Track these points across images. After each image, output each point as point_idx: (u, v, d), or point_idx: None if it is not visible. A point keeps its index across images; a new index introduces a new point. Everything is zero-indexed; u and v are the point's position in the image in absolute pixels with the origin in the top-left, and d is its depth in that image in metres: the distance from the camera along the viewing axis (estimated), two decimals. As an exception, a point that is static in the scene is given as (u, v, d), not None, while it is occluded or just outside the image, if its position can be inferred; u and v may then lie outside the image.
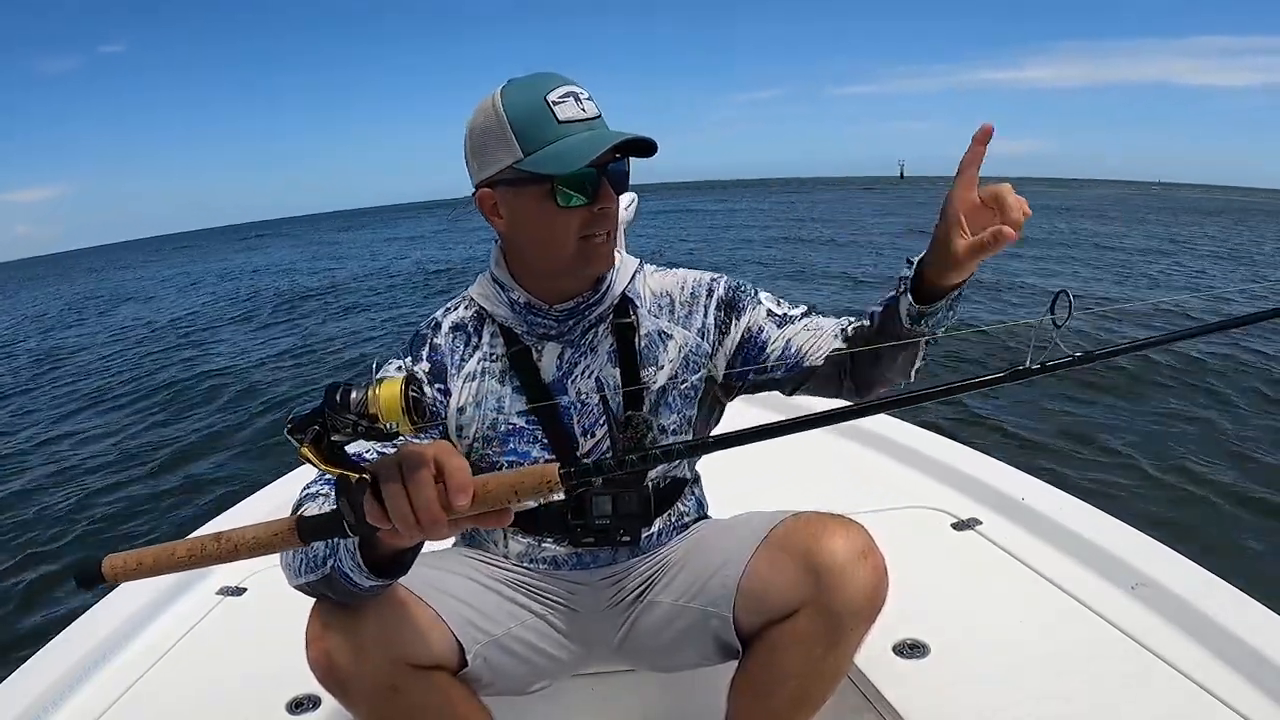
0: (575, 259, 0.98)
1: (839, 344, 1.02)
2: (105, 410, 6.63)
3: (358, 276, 16.17)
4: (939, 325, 0.90)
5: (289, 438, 0.65)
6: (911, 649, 1.33)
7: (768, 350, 1.06)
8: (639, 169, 1.02)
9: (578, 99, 0.94)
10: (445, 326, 1.09)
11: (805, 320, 1.07)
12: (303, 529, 0.67)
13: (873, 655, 1.31)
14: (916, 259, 0.88)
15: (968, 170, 0.80)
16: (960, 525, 1.75)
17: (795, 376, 1.05)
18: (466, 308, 1.10)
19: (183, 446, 5.28)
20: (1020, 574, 1.55)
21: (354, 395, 0.62)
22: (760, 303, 1.09)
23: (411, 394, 0.61)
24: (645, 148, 0.96)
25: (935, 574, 1.54)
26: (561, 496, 0.67)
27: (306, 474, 0.84)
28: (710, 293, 1.10)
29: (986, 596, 1.49)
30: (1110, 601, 1.42)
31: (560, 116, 0.92)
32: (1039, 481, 1.85)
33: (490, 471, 1.04)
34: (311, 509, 0.87)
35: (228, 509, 2.05)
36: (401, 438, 0.64)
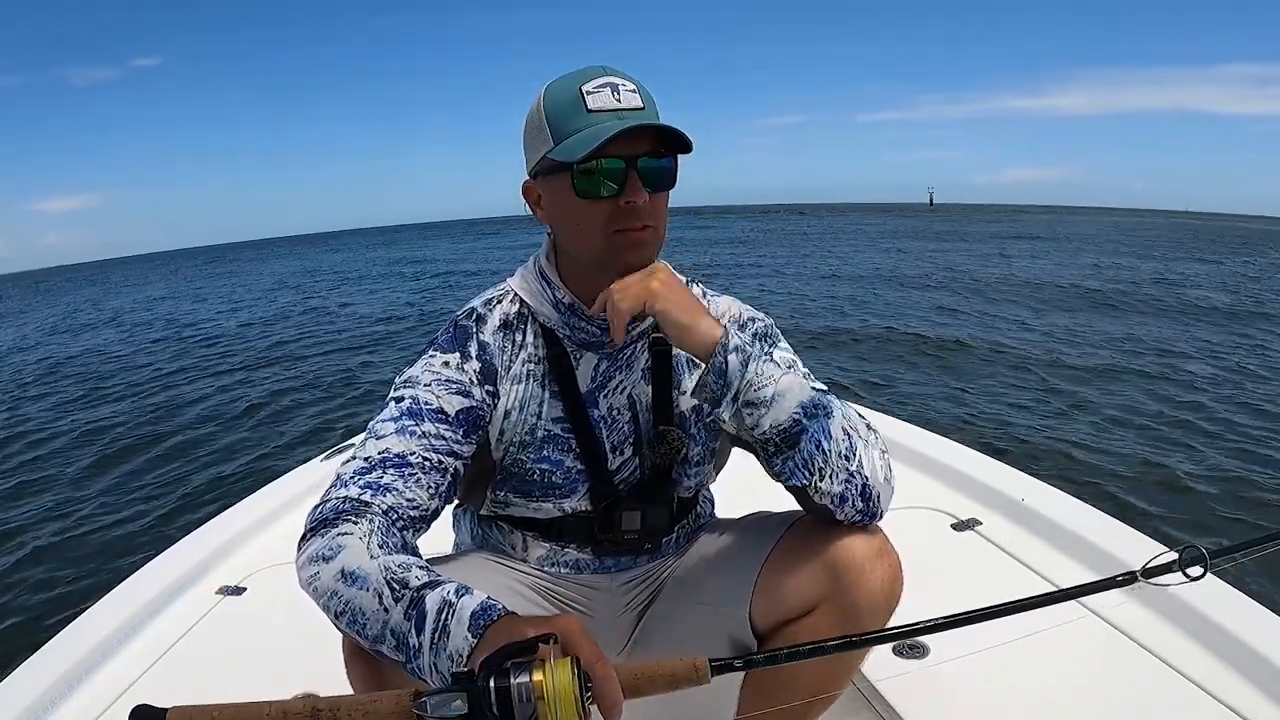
0: (603, 251, 0.94)
1: None
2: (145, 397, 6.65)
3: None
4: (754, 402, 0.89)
5: None
6: (911, 649, 1.33)
7: None
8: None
9: (616, 89, 0.90)
10: (492, 323, 1.03)
11: None
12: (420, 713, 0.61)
13: (873, 655, 1.30)
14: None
15: None
16: (960, 525, 1.75)
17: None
18: (511, 302, 1.05)
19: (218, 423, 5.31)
20: (1020, 574, 1.55)
21: (515, 680, 0.58)
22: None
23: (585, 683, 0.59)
24: (673, 138, 0.90)
25: (935, 574, 1.54)
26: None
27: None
28: (743, 327, 1.07)
29: (986, 596, 1.48)
30: (1110, 601, 1.42)
31: (590, 105, 0.89)
32: (1039, 481, 1.86)
33: (532, 481, 1.03)
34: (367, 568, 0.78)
35: (246, 496, 2.10)
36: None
